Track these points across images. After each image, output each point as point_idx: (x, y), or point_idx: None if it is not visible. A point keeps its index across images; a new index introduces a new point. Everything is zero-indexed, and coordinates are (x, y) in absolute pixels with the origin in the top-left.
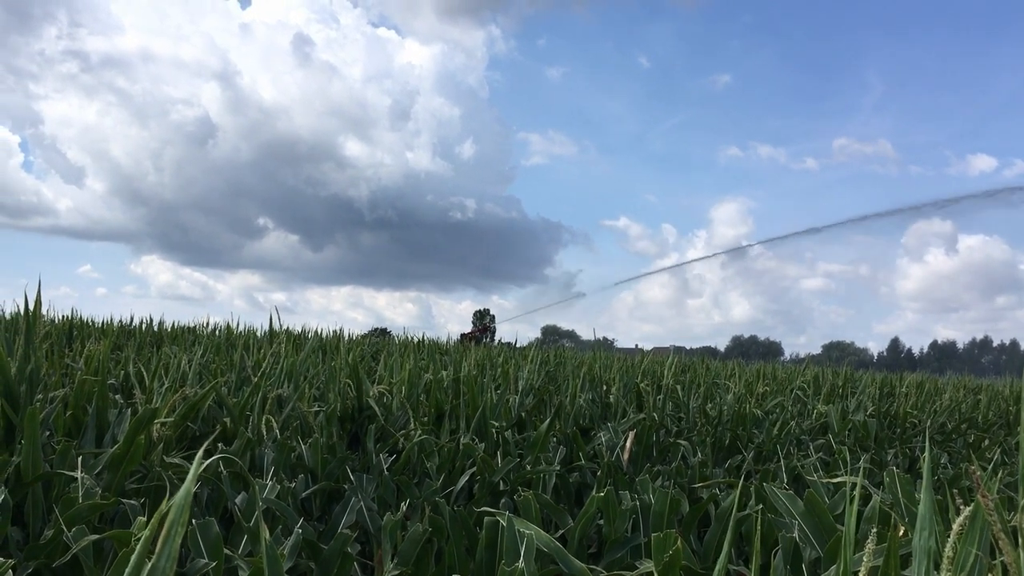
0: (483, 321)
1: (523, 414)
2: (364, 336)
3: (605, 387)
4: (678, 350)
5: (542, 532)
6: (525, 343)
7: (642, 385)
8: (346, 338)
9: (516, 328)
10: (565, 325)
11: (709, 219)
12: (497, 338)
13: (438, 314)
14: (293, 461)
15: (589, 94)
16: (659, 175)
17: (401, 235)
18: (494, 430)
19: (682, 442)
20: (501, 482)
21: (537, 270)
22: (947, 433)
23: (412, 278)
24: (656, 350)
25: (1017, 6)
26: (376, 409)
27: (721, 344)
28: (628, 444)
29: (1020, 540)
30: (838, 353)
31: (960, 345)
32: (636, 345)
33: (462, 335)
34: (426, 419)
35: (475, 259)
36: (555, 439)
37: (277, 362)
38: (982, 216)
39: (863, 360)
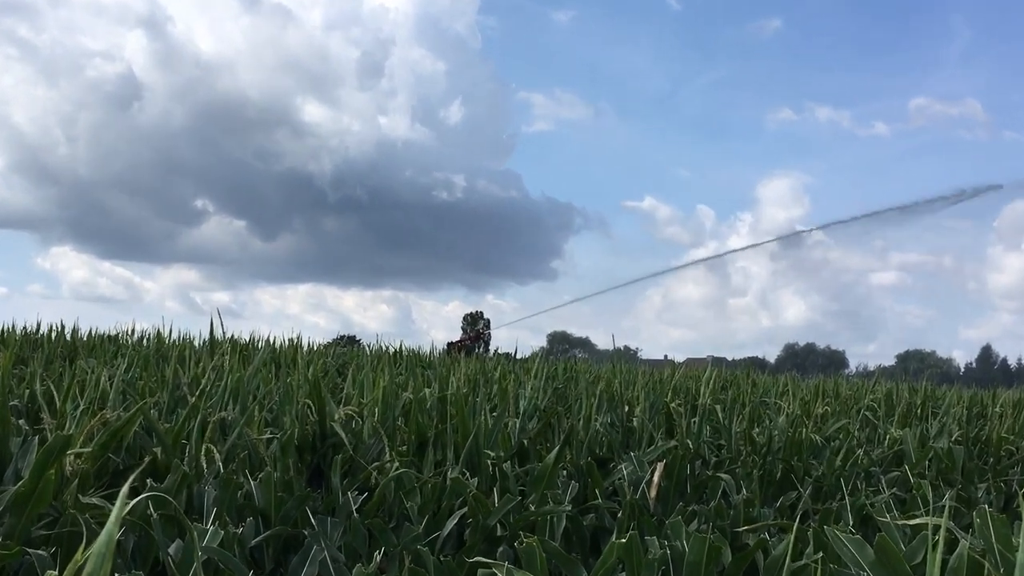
0: (475, 327)
1: (525, 441)
2: (328, 345)
3: (627, 408)
4: (717, 362)
5: None
6: (527, 353)
7: (673, 405)
8: (305, 348)
9: (516, 335)
10: (577, 331)
11: (755, 199)
12: (492, 348)
13: (419, 318)
14: (240, 501)
15: (605, 44)
16: (693, 144)
17: (373, 220)
18: (489, 461)
19: (723, 475)
20: (498, 526)
21: (542, 263)
22: None
23: (387, 273)
24: (690, 362)
25: None
26: (343, 436)
27: (771, 354)
28: (656, 478)
29: None
30: (916, 364)
31: None
32: (665, 356)
33: (449, 344)
34: (405, 448)
35: (465, 250)
36: (565, 472)
37: (220, 378)
38: None
39: (947, 373)
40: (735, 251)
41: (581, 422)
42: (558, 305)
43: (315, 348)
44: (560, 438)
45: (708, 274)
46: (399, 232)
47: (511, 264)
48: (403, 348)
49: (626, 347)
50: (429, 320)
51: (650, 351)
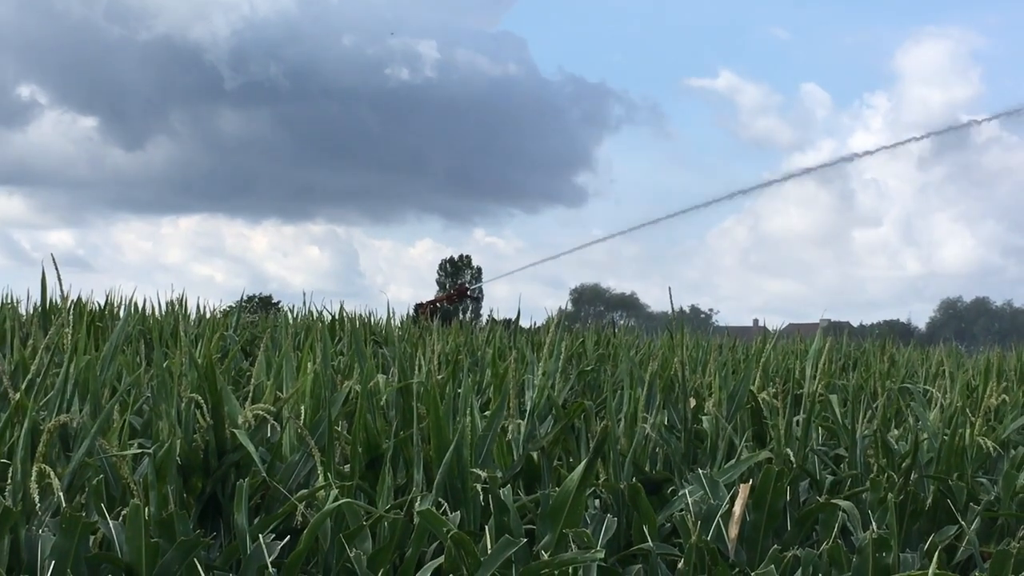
0: (458, 280)
1: (535, 455)
2: (228, 311)
3: (694, 401)
4: (835, 328)
5: None
6: (539, 319)
7: (764, 396)
8: (193, 316)
9: (521, 290)
10: (616, 284)
11: (894, 73)
12: (484, 310)
13: (371, 267)
14: (93, 550)
15: None
16: None
17: (295, 116)
18: (479, 485)
19: (841, 502)
20: None
21: (561, 179)
22: None
23: (318, 198)
24: (793, 330)
25: None
26: (251, 450)
27: (919, 315)
28: (738, 509)
29: None
30: None
31: None
32: (756, 321)
33: (418, 306)
34: (348, 467)
35: (440, 160)
36: (598, 500)
37: (59, 364)
38: None
39: None
40: (863, 155)
41: (622, 424)
42: (585, 244)
43: (208, 315)
44: (589, 448)
45: (821, 192)
46: (336, 134)
47: (512, 181)
48: (345, 313)
49: (693, 308)
50: (386, 270)
51: (731, 314)
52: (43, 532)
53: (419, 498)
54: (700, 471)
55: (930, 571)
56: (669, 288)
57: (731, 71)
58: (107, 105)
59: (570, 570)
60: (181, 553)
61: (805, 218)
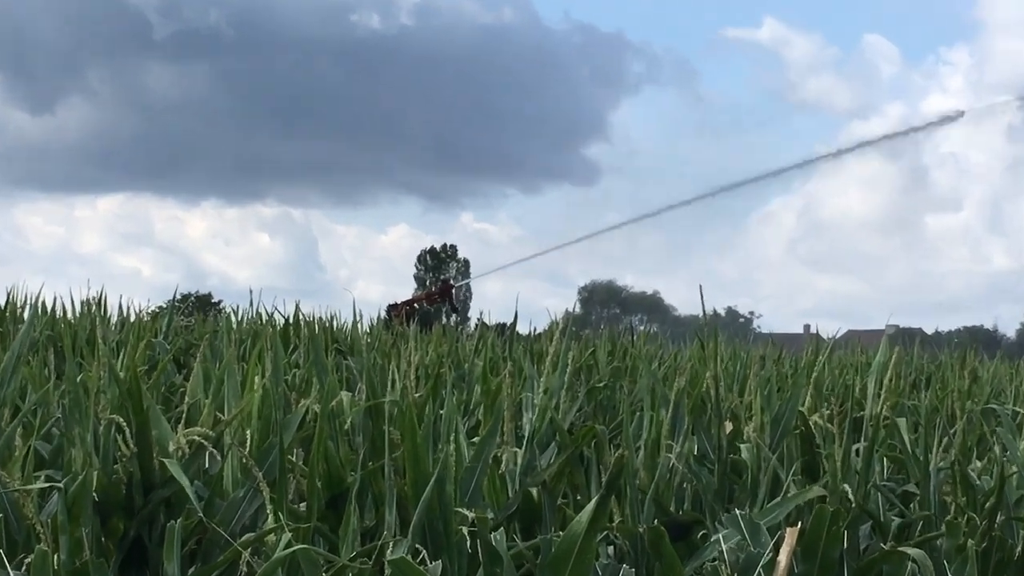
0: (440, 274)
1: (535, 491)
2: (157, 313)
3: (730, 425)
4: (903, 336)
5: None
6: (541, 323)
7: (815, 419)
8: (114, 318)
9: (518, 288)
10: (635, 281)
11: (976, 22)
12: (473, 312)
13: (333, 258)
14: None
15: None
16: None
17: (241, 71)
18: (465, 529)
19: (911, 550)
20: None
21: (568, 150)
22: None
23: (270, 173)
24: (852, 336)
25: None
26: (185, 484)
27: (1008, 321)
28: (783, 558)
29: None
30: None
31: None
32: (807, 327)
33: (392, 307)
34: (304, 506)
35: (419, 126)
36: (611, 547)
37: None
38: None
39: None
40: (938, 123)
41: (642, 453)
42: (597, 232)
43: (133, 318)
44: (600, 483)
45: (887, 168)
46: (290, 94)
47: (508, 154)
48: (301, 316)
49: (730, 311)
50: (352, 262)
51: (776, 318)
52: None
53: (391, 544)
54: (737, 511)
55: None
56: (700, 286)
57: (776, 19)
58: (9, 59)
59: None
60: None
61: (868, 200)
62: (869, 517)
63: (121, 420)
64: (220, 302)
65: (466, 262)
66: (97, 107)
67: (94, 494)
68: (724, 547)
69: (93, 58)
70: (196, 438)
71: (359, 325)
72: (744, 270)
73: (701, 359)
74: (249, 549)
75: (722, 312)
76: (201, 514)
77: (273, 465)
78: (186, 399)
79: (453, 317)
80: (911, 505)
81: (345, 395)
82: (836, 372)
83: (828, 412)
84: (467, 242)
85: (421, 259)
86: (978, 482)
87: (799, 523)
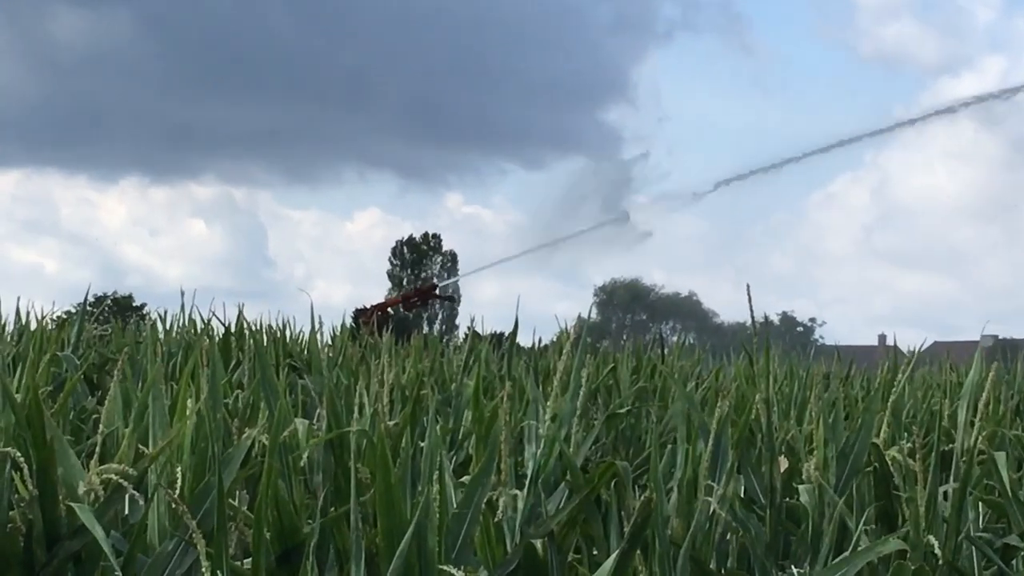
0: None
1: (539, 543)
2: (64, 320)
3: (786, 462)
4: (1003, 348)
5: None
6: (548, 334)
7: (894, 454)
8: (9, 326)
9: (518, 288)
10: (665, 279)
11: None
12: (463, 318)
13: (285, 250)
14: None
15: None
16: None
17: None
18: None
19: None
20: None
21: (582, 114)
22: None
23: (206, 143)
24: (939, 349)
25: None
26: (99, 536)
27: None
28: None
29: None
30: None
31: None
32: (883, 337)
33: (359, 313)
34: (249, 563)
35: (394, 86)
36: None
37: None
38: None
39: None
40: None
41: (674, 496)
42: (616, 219)
43: (34, 326)
44: (623, 534)
45: (983, 138)
46: (231, 46)
47: (506, 120)
48: (246, 323)
49: (785, 317)
50: (309, 256)
51: (843, 327)
52: None
53: None
54: (795, 570)
55: None
56: (747, 286)
57: None
58: None
59: None
60: None
61: (959, 178)
62: (958, 575)
63: (18, 454)
64: (144, 306)
65: (453, 256)
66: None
67: None
68: None
69: None
70: (113, 477)
71: (318, 336)
72: (803, 266)
73: (749, 378)
74: None
75: (775, 319)
76: (119, 573)
77: (210, 511)
78: (100, 428)
79: (438, 320)
80: (1013, 562)
81: (300, 423)
82: (919, 394)
83: (909, 445)
84: (454, 230)
85: (396, 252)
86: None
87: None
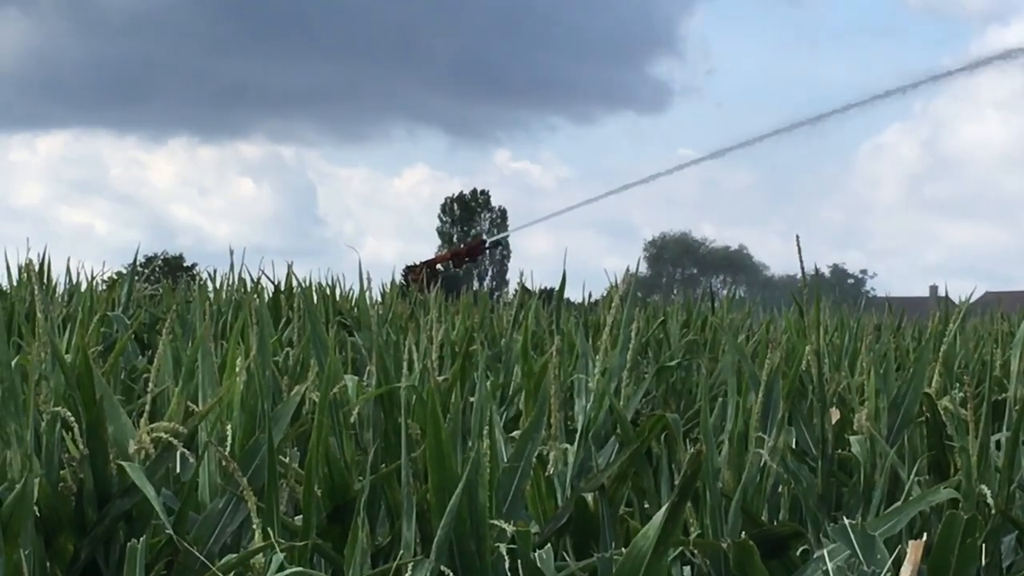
0: (470, 228)
1: (590, 497)
2: (115, 280)
3: (837, 413)
4: None
5: None
6: (595, 288)
7: (946, 404)
8: (61, 286)
9: (566, 242)
10: (715, 234)
11: None
12: (512, 274)
13: (335, 208)
14: None
15: None
16: None
17: None
18: (503, 546)
19: None
20: None
21: (630, 68)
22: None
23: (255, 103)
24: (991, 299)
25: None
26: (151, 494)
27: None
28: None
29: None
30: None
31: None
32: (934, 288)
33: (409, 270)
34: (300, 519)
35: (442, 43)
36: (688, 567)
37: None
38: None
39: None
40: None
41: (725, 449)
42: (666, 172)
43: (84, 286)
44: (672, 487)
45: None
46: (278, 5)
47: (554, 75)
48: (296, 281)
49: (836, 269)
50: (359, 214)
51: (894, 278)
52: None
53: (410, 566)
54: (846, 520)
55: None
56: (797, 237)
57: None
58: None
59: None
60: None
61: (1009, 128)
62: (1014, 526)
63: (68, 414)
64: (194, 265)
65: (502, 212)
66: (37, 23)
67: (36, 507)
68: (830, 566)
69: None
70: (163, 435)
71: (368, 293)
72: (853, 217)
73: (800, 330)
74: (232, 573)
75: (826, 271)
76: (171, 530)
77: (260, 468)
78: (150, 387)
79: (488, 276)
80: None
81: (350, 380)
82: (971, 344)
83: (961, 395)
84: (503, 187)
85: (446, 209)
86: None
87: (924, 534)
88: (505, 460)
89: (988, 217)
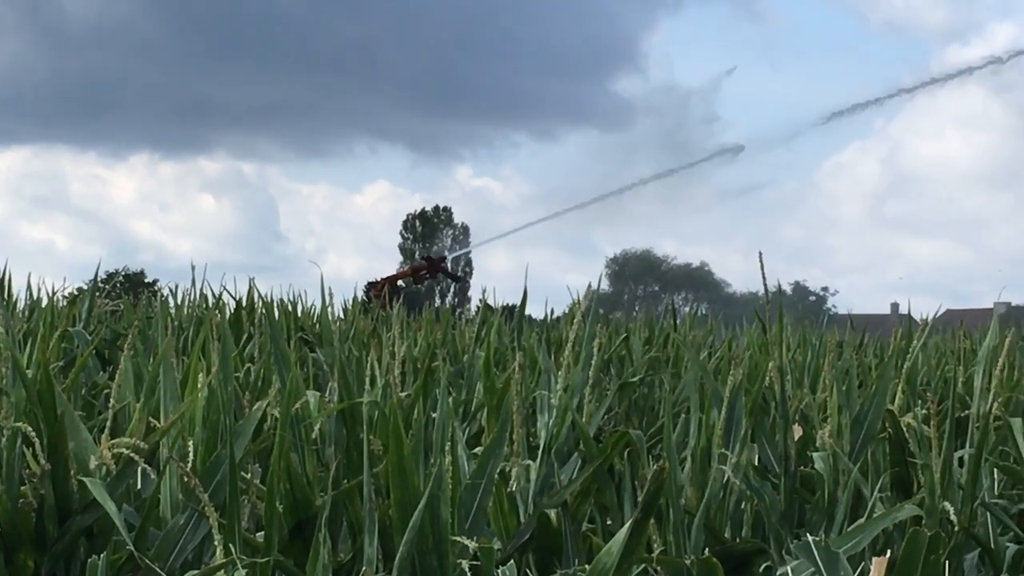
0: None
1: (553, 513)
2: (75, 296)
3: (800, 430)
4: (1017, 315)
5: None
6: (557, 305)
7: (909, 421)
8: (21, 303)
9: (526, 259)
10: (677, 250)
11: None
12: (475, 292)
13: (296, 224)
14: None
15: None
16: None
17: None
18: (465, 563)
19: None
20: None
21: (592, 84)
22: None
23: (216, 119)
24: (952, 317)
25: None
26: (111, 510)
27: None
28: None
29: None
30: None
31: None
32: (894, 305)
33: (371, 286)
34: (262, 535)
35: (403, 58)
36: None
37: None
38: None
39: None
40: None
41: (688, 466)
42: (627, 187)
43: (45, 302)
44: (636, 503)
45: (993, 104)
46: (242, 20)
47: (516, 91)
48: (258, 297)
49: (798, 287)
50: (320, 230)
51: (855, 295)
52: None
53: None
54: (809, 537)
55: None
56: (759, 254)
57: None
58: None
59: None
60: None
61: (970, 145)
62: (976, 543)
63: (29, 429)
64: (155, 281)
65: (464, 228)
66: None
67: None
68: None
69: None
70: (124, 451)
71: (330, 309)
72: (814, 234)
73: (762, 346)
74: None
75: (788, 288)
76: (132, 547)
77: (222, 484)
78: (112, 402)
79: (451, 293)
80: None
81: (312, 395)
82: (933, 361)
83: (924, 412)
84: (465, 203)
85: (408, 225)
86: None
87: (888, 551)
88: (467, 476)
89: (949, 235)
